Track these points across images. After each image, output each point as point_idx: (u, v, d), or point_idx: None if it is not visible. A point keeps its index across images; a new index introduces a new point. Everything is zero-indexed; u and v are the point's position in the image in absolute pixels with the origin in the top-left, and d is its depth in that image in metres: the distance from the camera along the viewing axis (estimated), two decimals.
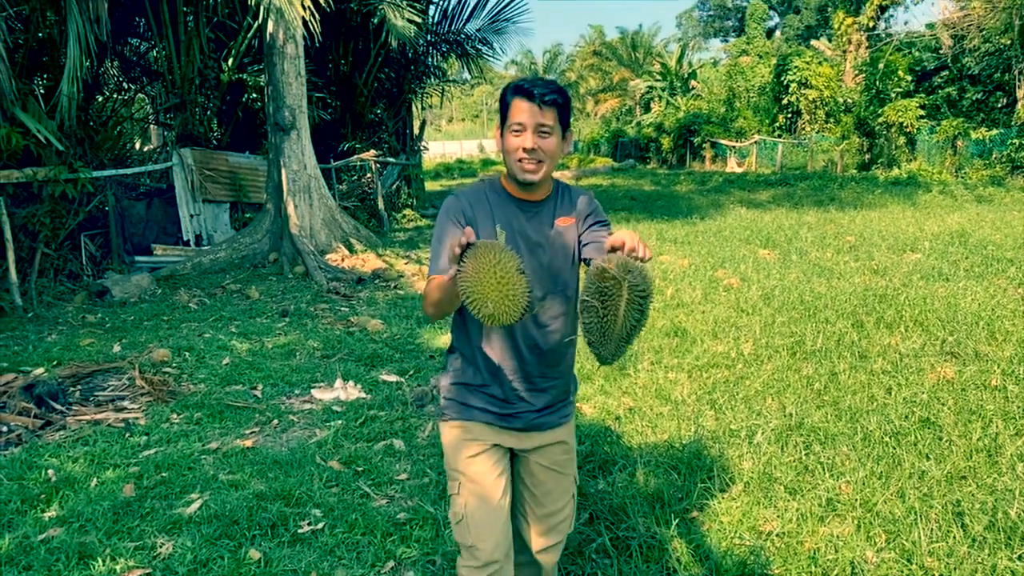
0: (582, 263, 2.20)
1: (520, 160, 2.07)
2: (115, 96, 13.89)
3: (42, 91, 9.93)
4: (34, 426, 4.62)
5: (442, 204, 2.21)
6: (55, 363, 5.92)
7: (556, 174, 2.51)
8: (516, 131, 2.07)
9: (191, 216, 11.48)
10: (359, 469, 4.02)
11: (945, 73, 24.54)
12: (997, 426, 4.11)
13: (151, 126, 16.56)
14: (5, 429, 4.58)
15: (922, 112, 23.41)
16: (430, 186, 25.44)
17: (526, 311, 1.76)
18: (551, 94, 2.04)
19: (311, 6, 9.17)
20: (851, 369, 5.20)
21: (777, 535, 3.15)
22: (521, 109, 2.05)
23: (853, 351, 5.59)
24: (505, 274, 1.72)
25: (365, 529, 3.36)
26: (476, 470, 2.23)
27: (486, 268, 1.72)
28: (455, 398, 2.29)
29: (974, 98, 23.57)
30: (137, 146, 15.11)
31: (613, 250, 1.78)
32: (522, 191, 2.15)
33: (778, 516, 3.29)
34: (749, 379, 5.11)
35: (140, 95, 15.45)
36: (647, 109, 49.29)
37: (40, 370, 5.66)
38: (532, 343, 2.19)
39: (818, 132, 28.10)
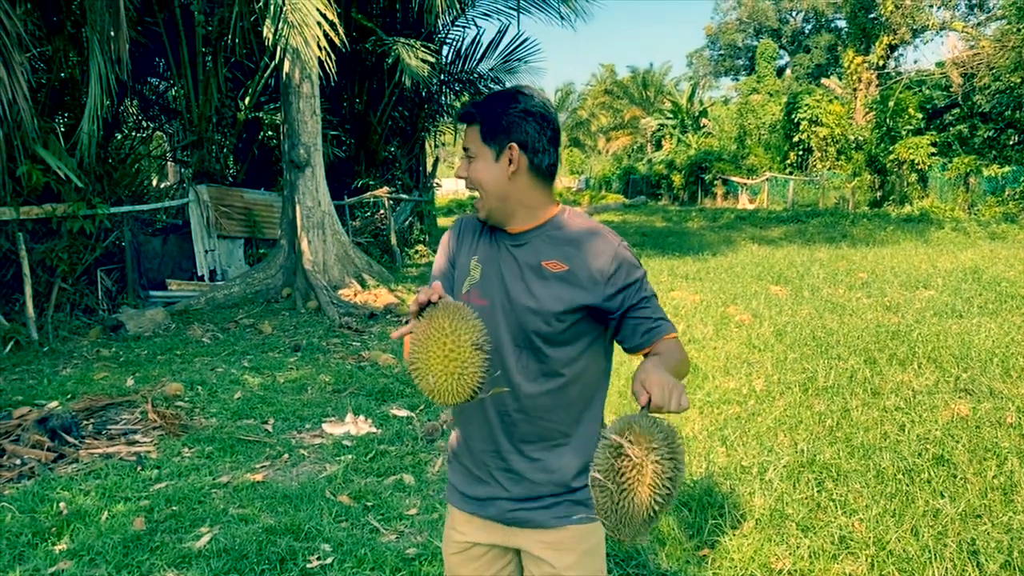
0: (614, 339, 1.81)
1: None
2: (134, 134, 14.16)
3: (63, 129, 10.14)
4: (47, 459, 4.65)
5: None
6: (69, 397, 5.97)
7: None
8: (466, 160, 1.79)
9: (206, 251, 11.61)
10: (369, 504, 4.02)
11: (956, 111, 24.64)
12: (1012, 464, 4.06)
13: (168, 163, 16.82)
14: (19, 462, 4.61)
15: (933, 149, 23.47)
16: (442, 222, 25.58)
17: (477, 393, 1.48)
18: (470, 108, 1.74)
19: (327, 46, 9.35)
20: (864, 406, 5.16)
21: (789, 573, 3.12)
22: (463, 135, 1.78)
23: (866, 388, 5.55)
24: (456, 347, 1.45)
25: (374, 564, 3.35)
26: (456, 574, 1.91)
27: (436, 335, 1.46)
28: (448, 470, 1.95)
29: (986, 135, 23.62)
30: (154, 183, 15.34)
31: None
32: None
33: (790, 553, 3.26)
34: (761, 415, 5.09)
35: (158, 133, 15.76)
36: (658, 146, 49.65)
37: (54, 403, 5.70)
38: (501, 406, 1.76)
39: (829, 169, 28.20)
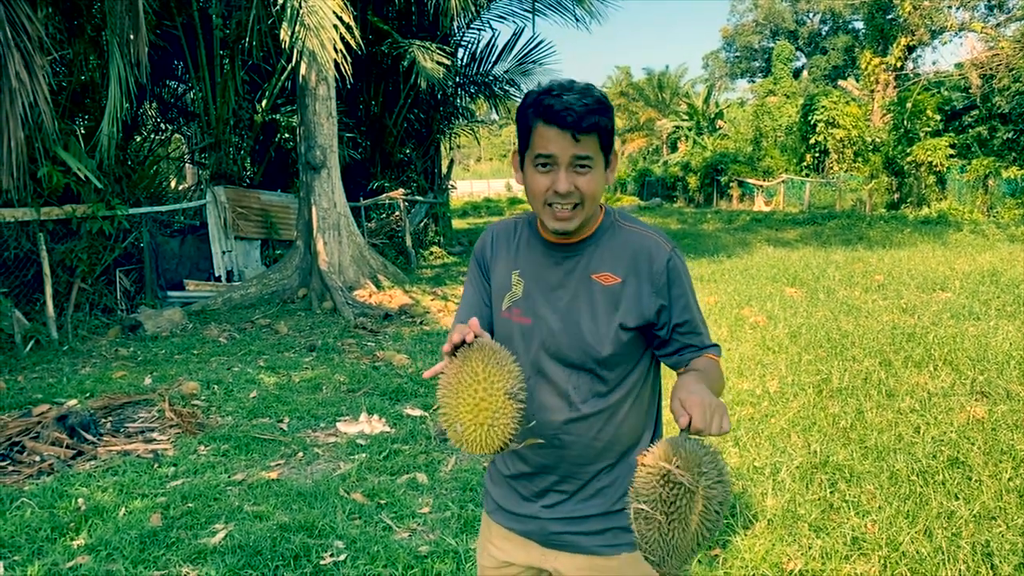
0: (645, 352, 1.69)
1: (550, 205, 1.54)
2: (152, 136, 14.32)
3: (83, 131, 10.27)
4: (66, 456, 4.71)
5: None
6: (88, 395, 6.04)
7: None
8: (543, 167, 1.53)
9: (223, 252, 11.71)
10: (382, 502, 4.05)
11: (975, 112, 24.40)
12: None
13: (186, 165, 16.99)
14: (38, 459, 4.68)
15: (952, 151, 23.26)
16: (457, 224, 25.68)
17: (508, 444, 1.38)
18: (591, 115, 1.49)
19: (343, 49, 9.41)
20: (878, 407, 5.14)
21: (801, 573, 3.11)
22: (549, 138, 1.50)
23: (880, 389, 5.53)
24: (488, 396, 1.35)
25: (387, 561, 3.38)
26: None
27: (467, 381, 1.36)
28: (486, 479, 1.85)
29: (1005, 137, 23.37)
30: (172, 184, 15.51)
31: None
32: (553, 235, 1.64)
33: (802, 554, 3.25)
34: (774, 417, 5.07)
35: (176, 135, 15.92)
36: (674, 148, 49.54)
37: (73, 401, 5.77)
38: (550, 427, 1.63)
39: (846, 171, 28.02)
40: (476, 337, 1.41)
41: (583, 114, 1.48)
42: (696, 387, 1.38)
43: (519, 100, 18.34)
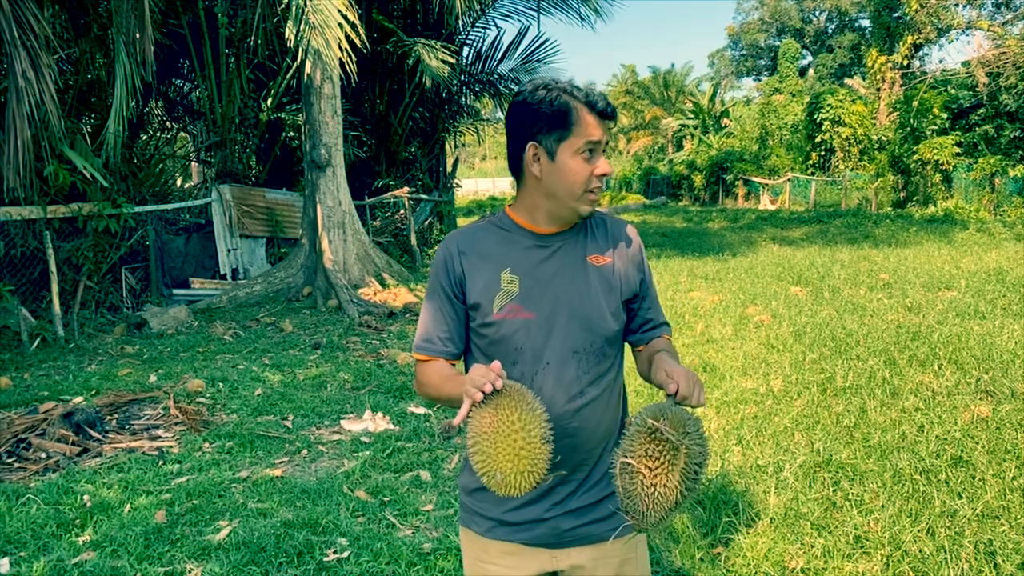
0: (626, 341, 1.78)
1: (590, 190, 1.62)
2: (158, 134, 14.37)
3: (89, 130, 10.30)
4: (72, 453, 4.74)
5: None
6: (94, 392, 6.07)
7: None
8: (589, 153, 1.60)
9: (228, 250, 11.74)
10: (385, 499, 4.06)
11: (982, 110, 24.29)
12: None
13: (192, 163, 17.03)
14: (44, 455, 4.70)
15: (958, 149, 23.19)
16: (462, 223, 25.70)
17: (539, 483, 1.42)
18: (613, 105, 1.66)
19: (348, 48, 9.43)
20: (882, 406, 5.13)
21: (803, 571, 3.12)
22: (596, 125, 1.59)
23: (884, 388, 5.52)
24: (527, 444, 1.38)
25: (390, 559, 3.39)
26: None
27: (505, 431, 1.38)
28: (466, 495, 1.79)
29: (1012, 135, 23.27)
30: (178, 183, 15.54)
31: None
32: (547, 223, 1.67)
33: (804, 552, 3.25)
34: (778, 415, 5.07)
35: (182, 133, 15.96)
36: (679, 147, 49.49)
37: (79, 399, 5.80)
38: (557, 422, 1.57)
39: (852, 170, 27.95)
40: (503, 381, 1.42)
41: (611, 105, 1.64)
42: (677, 364, 1.54)
43: None
